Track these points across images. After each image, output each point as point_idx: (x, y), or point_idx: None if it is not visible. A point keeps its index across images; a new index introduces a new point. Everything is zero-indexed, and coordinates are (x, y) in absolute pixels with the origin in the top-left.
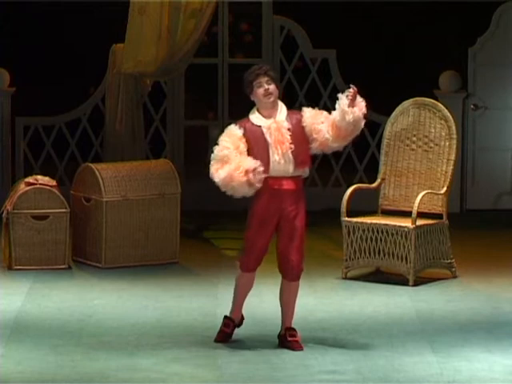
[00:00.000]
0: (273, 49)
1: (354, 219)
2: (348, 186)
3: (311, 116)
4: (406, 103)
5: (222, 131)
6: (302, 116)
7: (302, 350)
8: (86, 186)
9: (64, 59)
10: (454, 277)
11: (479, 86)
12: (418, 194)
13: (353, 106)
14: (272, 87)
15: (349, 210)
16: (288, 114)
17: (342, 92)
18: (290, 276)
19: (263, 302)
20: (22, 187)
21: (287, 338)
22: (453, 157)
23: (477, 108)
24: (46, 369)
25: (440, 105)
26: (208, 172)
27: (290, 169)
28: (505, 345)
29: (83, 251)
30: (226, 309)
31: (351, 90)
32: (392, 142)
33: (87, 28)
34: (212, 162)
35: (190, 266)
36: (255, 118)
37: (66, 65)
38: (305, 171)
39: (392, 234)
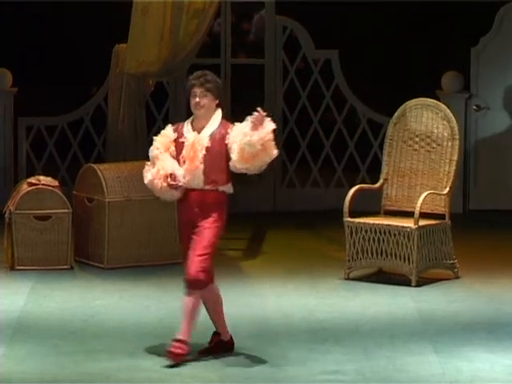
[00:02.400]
0: (275, 49)
1: (357, 220)
2: (350, 187)
3: (235, 134)
4: (409, 104)
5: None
6: (227, 133)
7: (175, 360)
8: (89, 186)
9: (66, 59)
10: (457, 277)
11: (482, 87)
12: (420, 194)
13: (255, 130)
14: (204, 100)
15: (351, 210)
16: (218, 129)
17: (344, 92)
18: (186, 284)
19: (265, 303)
20: (24, 187)
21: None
22: (455, 157)
23: (479, 108)
24: (47, 369)
25: (442, 105)
26: None
27: (198, 185)
28: (506, 345)
29: (85, 252)
30: (227, 309)
31: (257, 113)
32: (395, 142)
33: (90, 28)
34: (146, 164)
35: None
36: (186, 127)
37: (68, 65)
38: (219, 189)
39: (394, 235)
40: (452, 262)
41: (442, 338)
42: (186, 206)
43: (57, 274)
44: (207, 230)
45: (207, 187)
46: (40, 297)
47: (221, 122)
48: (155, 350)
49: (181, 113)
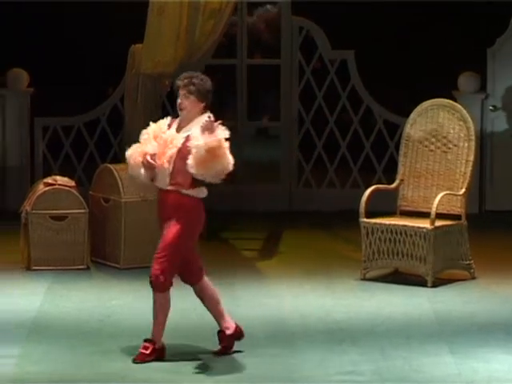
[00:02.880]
0: (291, 49)
1: (373, 220)
2: (366, 187)
3: (194, 138)
4: (425, 104)
5: (241, 131)
6: (193, 137)
7: (137, 362)
8: (105, 186)
9: (82, 59)
10: (473, 278)
11: (498, 87)
12: (436, 195)
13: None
14: (186, 102)
15: (367, 211)
16: (195, 131)
17: (360, 93)
18: (152, 285)
19: (281, 303)
20: (40, 188)
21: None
22: (471, 158)
23: (496, 109)
24: (63, 369)
25: (459, 106)
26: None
27: (164, 184)
28: None
29: (102, 252)
30: (244, 309)
31: (207, 119)
32: (411, 143)
33: (106, 28)
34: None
35: (207, 266)
36: (175, 124)
37: (84, 65)
38: (181, 191)
39: (411, 235)
40: (468, 262)
41: (458, 339)
42: (157, 204)
43: (73, 274)
44: (168, 230)
45: (170, 188)
46: (56, 297)
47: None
48: (171, 351)
49: None
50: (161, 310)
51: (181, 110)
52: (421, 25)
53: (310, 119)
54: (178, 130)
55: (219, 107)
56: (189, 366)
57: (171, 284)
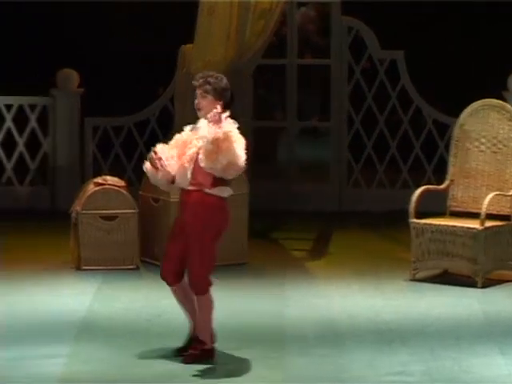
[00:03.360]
0: (341, 50)
1: (423, 221)
2: (416, 188)
3: (200, 129)
4: (475, 105)
5: (290, 131)
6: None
7: (189, 363)
8: (155, 186)
9: (133, 60)
10: None
11: None
12: (486, 195)
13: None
14: (203, 102)
15: (417, 211)
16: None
17: (410, 93)
18: (193, 289)
19: (330, 304)
20: (90, 188)
21: (188, 349)
22: None
23: None
24: (112, 368)
25: (508, 106)
26: (276, 173)
27: (186, 185)
28: None
29: (151, 251)
30: (293, 310)
31: (214, 110)
32: (460, 143)
33: (157, 28)
34: None
35: (257, 266)
36: (197, 126)
37: (134, 65)
38: (204, 190)
39: (460, 236)
40: None
41: (508, 340)
42: (179, 205)
43: (123, 273)
44: (196, 231)
45: (191, 187)
46: (106, 297)
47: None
48: (223, 351)
49: (246, 113)
50: (206, 310)
51: (199, 110)
52: (470, 25)
53: (359, 119)
54: (197, 130)
55: (269, 107)
56: (237, 367)
57: (211, 284)
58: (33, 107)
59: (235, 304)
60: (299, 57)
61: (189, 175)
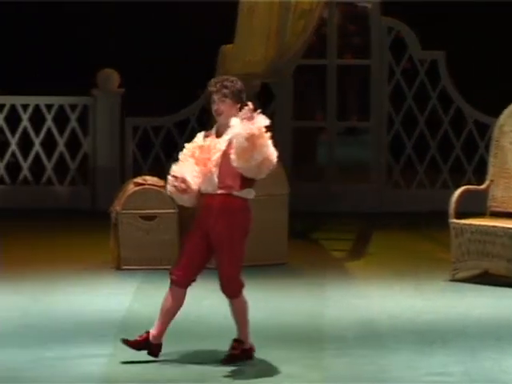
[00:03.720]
0: (381, 50)
1: (462, 221)
2: (456, 188)
3: (233, 127)
4: None
5: (330, 131)
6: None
7: (228, 363)
8: None
9: (172, 60)
10: None
11: None
12: None
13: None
14: (223, 106)
15: (457, 211)
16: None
17: (450, 93)
18: (226, 293)
19: (370, 304)
20: (130, 187)
21: (241, 354)
22: None
23: None
24: (151, 369)
25: None
26: (316, 173)
27: (213, 189)
28: None
29: None
30: (333, 310)
31: (246, 107)
32: (500, 143)
33: (196, 28)
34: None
35: (297, 267)
36: (212, 132)
37: (174, 66)
38: (232, 192)
39: (500, 236)
40: None
41: None
42: (200, 210)
43: (162, 273)
44: (226, 234)
45: (219, 192)
46: (146, 296)
47: None
48: (263, 351)
49: (286, 114)
50: (243, 312)
51: (218, 115)
52: (510, 24)
53: (399, 119)
54: (219, 135)
55: (308, 107)
56: (275, 367)
57: (243, 285)
58: (73, 107)
59: (275, 304)
60: (339, 57)
61: (216, 179)
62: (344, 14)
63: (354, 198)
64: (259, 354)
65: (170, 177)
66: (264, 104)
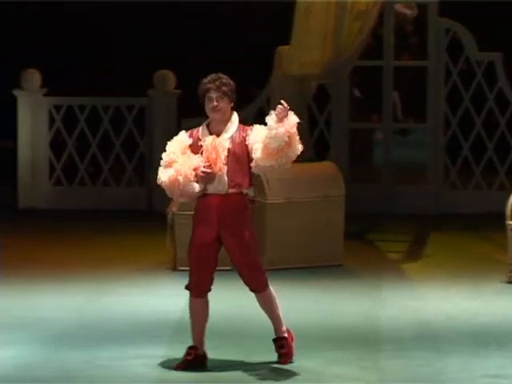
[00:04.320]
0: (438, 51)
1: None
2: None
3: (255, 134)
4: None
5: (386, 133)
6: (247, 134)
7: (290, 363)
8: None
9: (229, 61)
10: None
11: None
12: None
13: (281, 123)
14: (222, 104)
15: None
16: (237, 132)
17: (508, 95)
18: (254, 288)
19: (427, 306)
20: None
21: (277, 350)
22: None
23: None
24: (207, 370)
25: None
26: (372, 174)
27: (222, 189)
28: None
29: None
30: (389, 311)
31: (280, 106)
32: None
33: (253, 29)
34: (160, 168)
35: (353, 268)
36: (203, 131)
37: (231, 66)
38: (243, 192)
39: None
40: None
41: None
42: (207, 213)
43: (218, 274)
44: (240, 234)
45: (231, 191)
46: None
47: (239, 125)
48: (316, 352)
49: (343, 114)
50: (274, 304)
51: (217, 112)
52: None
53: (456, 121)
54: (215, 133)
55: (364, 108)
56: (332, 368)
57: (267, 279)
58: (130, 108)
59: (331, 305)
60: (396, 58)
61: (226, 178)
62: (401, 15)
63: (410, 199)
64: (315, 354)
65: (176, 171)
66: (320, 105)
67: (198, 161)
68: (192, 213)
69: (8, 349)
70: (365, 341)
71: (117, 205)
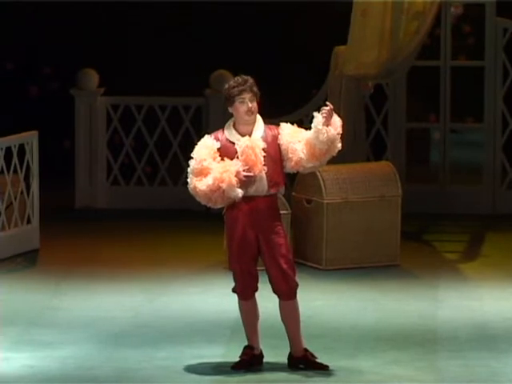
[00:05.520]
0: (495, 51)
1: None
2: None
3: (289, 134)
4: None
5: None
6: (279, 133)
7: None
8: (307, 187)
9: (286, 61)
10: None
11: None
12: None
13: (328, 125)
14: (254, 105)
15: None
16: (265, 131)
17: None
18: (289, 295)
19: (483, 306)
20: None
21: (311, 359)
22: None
23: None
24: (263, 370)
25: None
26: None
27: (263, 190)
28: None
29: (303, 252)
30: (446, 312)
31: (327, 107)
32: None
33: (312, 28)
34: (190, 176)
35: (410, 268)
36: (230, 133)
37: (288, 67)
38: (280, 191)
39: None
40: None
41: None
42: (246, 216)
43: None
44: (278, 236)
45: (271, 191)
46: (259, 298)
47: (265, 125)
48: (373, 352)
49: (400, 114)
50: (298, 314)
51: (250, 114)
52: None
53: None
54: (245, 135)
55: (424, 109)
56: (390, 368)
57: (297, 286)
58: (187, 108)
59: (387, 306)
60: (453, 58)
61: (265, 179)
62: (458, 15)
63: (467, 199)
64: (373, 355)
65: (215, 178)
66: (377, 105)
67: (236, 165)
68: None
69: (67, 348)
70: (422, 341)
71: (174, 204)
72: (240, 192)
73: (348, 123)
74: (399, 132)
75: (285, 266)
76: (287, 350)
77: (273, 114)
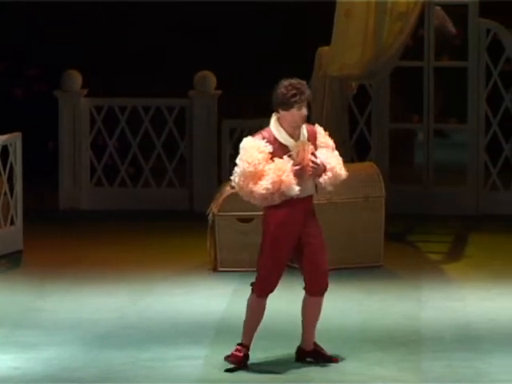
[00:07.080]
0: (478, 52)
1: None
2: None
3: (325, 144)
4: None
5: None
6: (317, 138)
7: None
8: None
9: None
10: None
11: None
12: None
13: (320, 176)
14: (306, 111)
15: None
16: (308, 131)
17: None
18: (321, 290)
19: (468, 306)
20: (227, 189)
21: (322, 352)
22: None
23: None
24: (250, 371)
25: None
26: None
27: (311, 191)
28: None
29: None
30: (430, 312)
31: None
32: None
33: (291, 29)
34: (242, 179)
35: (393, 269)
36: (281, 135)
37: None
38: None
39: None
40: None
41: None
42: (290, 216)
43: None
44: (318, 234)
45: (315, 190)
46: (243, 299)
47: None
48: (357, 353)
49: (384, 115)
50: (318, 314)
51: (305, 119)
52: None
53: (497, 122)
54: (297, 136)
55: (407, 109)
56: (374, 369)
57: (328, 285)
58: (170, 109)
59: (371, 306)
60: (436, 59)
61: (312, 179)
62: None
63: (451, 199)
64: (357, 356)
65: (276, 177)
66: (360, 105)
67: (288, 163)
68: (232, 214)
69: (52, 350)
70: (406, 342)
71: (157, 205)
72: (298, 188)
73: (332, 124)
74: (383, 133)
75: (324, 266)
76: (275, 352)
77: (256, 115)
